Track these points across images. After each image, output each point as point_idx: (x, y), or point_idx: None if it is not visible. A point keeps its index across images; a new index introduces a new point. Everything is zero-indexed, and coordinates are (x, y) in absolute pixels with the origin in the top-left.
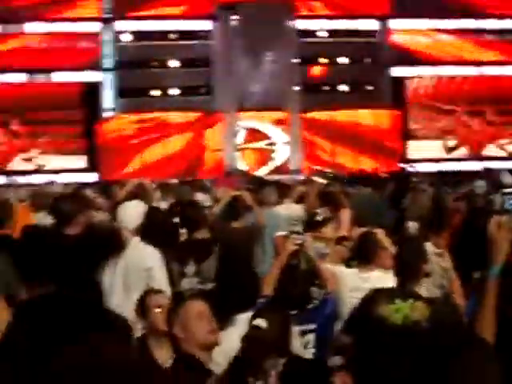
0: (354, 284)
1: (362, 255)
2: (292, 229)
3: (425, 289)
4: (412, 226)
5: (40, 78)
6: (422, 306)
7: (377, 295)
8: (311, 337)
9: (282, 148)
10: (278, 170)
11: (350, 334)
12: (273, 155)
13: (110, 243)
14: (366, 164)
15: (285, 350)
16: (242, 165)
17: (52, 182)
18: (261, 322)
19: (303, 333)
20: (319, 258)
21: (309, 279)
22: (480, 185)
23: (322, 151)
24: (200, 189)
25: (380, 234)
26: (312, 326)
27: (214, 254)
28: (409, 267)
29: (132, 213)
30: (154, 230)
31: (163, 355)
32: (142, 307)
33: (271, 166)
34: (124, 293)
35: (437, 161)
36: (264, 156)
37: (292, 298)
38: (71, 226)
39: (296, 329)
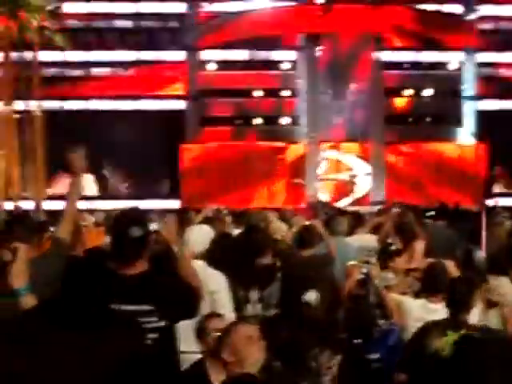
0: (420, 315)
1: (429, 286)
2: (364, 259)
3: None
4: (478, 255)
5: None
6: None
7: (431, 327)
8: (376, 366)
9: (364, 180)
10: (359, 202)
11: (404, 371)
12: (355, 187)
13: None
14: (450, 197)
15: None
16: (324, 196)
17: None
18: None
19: (369, 362)
20: (386, 288)
21: (374, 309)
22: None
23: (405, 183)
24: (279, 217)
25: (450, 265)
26: (376, 356)
27: (276, 281)
28: (460, 297)
29: (200, 237)
30: (221, 254)
31: (219, 379)
32: (201, 330)
33: (353, 197)
34: None
35: None
36: (346, 187)
37: (357, 327)
38: None
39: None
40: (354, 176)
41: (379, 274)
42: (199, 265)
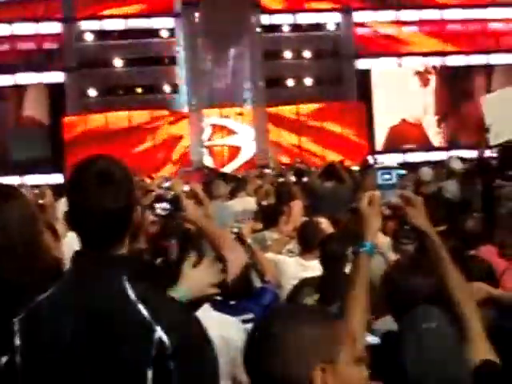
0: (295, 273)
1: (303, 243)
2: (243, 221)
3: None
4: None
5: None
6: None
7: (302, 285)
8: (249, 327)
9: (249, 144)
10: (245, 166)
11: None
12: (240, 151)
13: None
14: (333, 157)
15: None
16: (209, 161)
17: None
18: None
19: (242, 322)
20: (264, 248)
21: (248, 268)
22: (427, 172)
23: (289, 145)
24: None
25: (324, 223)
26: (249, 316)
27: None
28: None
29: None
30: None
31: None
32: None
33: (238, 161)
34: None
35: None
36: (231, 152)
37: (229, 287)
38: None
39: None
40: (238, 140)
41: (249, 233)
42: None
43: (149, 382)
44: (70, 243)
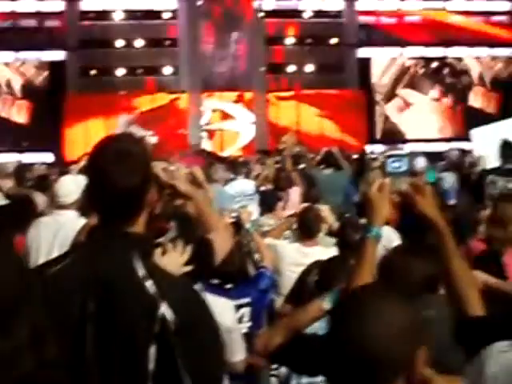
0: (295, 259)
1: (303, 230)
2: (241, 205)
3: None
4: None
5: None
6: None
7: (314, 267)
8: (246, 310)
9: (248, 128)
10: (244, 151)
11: (290, 304)
12: (239, 135)
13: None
14: (333, 144)
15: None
16: (208, 145)
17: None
18: None
19: (238, 307)
20: (263, 234)
21: (245, 253)
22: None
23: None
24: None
25: (325, 210)
26: (246, 300)
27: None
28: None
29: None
30: None
31: None
32: None
33: (237, 146)
34: None
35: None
36: (230, 136)
37: (227, 271)
38: None
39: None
40: (237, 125)
41: (249, 218)
42: (70, 215)
43: (151, 356)
44: None
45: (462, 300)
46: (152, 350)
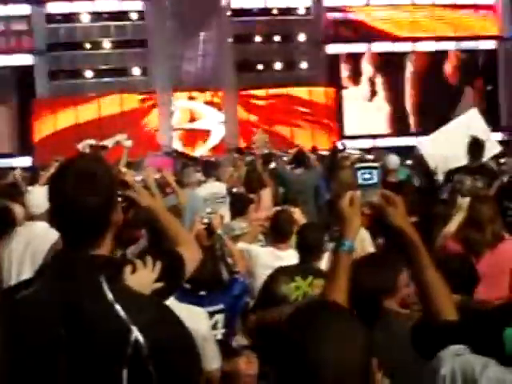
0: (268, 262)
1: (276, 234)
2: (213, 207)
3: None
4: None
5: None
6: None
7: (279, 274)
8: (219, 317)
9: (218, 128)
10: (214, 150)
11: (255, 313)
12: (209, 135)
13: None
14: (302, 142)
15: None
16: (178, 145)
17: None
18: None
19: (212, 314)
20: (235, 238)
21: (218, 259)
22: (393, 159)
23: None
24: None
25: (297, 213)
26: (219, 307)
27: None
28: (310, 243)
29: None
30: None
31: None
32: None
33: (208, 145)
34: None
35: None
36: (200, 136)
37: (200, 278)
38: None
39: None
40: (207, 124)
41: (221, 223)
42: (41, 226)
43: (124, 381)
44: None
45: (436, 310)
46: (124, 374)
